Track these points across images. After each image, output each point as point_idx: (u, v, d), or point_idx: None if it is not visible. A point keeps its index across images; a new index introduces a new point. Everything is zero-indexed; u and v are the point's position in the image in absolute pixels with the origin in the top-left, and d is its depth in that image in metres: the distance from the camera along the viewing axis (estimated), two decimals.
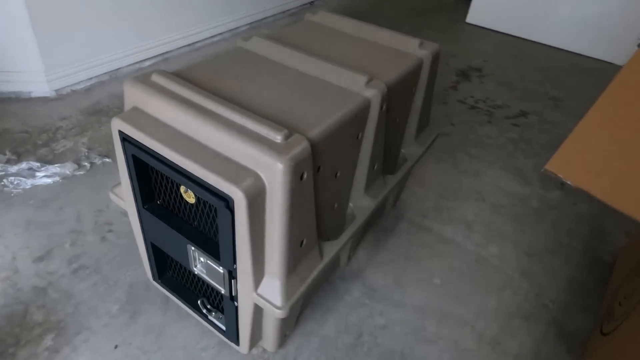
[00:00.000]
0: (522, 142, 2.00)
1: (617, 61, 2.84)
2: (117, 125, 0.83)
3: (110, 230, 1.34)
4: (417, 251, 1.40)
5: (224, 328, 1.02)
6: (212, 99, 0.81)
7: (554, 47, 3.03)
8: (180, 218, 0.92)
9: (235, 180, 0.71)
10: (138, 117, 0.83)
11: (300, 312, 1.16)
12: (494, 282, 1.34)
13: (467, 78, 2.50)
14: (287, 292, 0.84)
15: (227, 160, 0.75)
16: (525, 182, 1.76)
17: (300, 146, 0.74)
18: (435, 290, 1.29)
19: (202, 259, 0.90)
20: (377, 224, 1.48)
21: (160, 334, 1.09)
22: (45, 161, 1.55)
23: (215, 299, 1.05)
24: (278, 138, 0.74)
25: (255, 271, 0.81)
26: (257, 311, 0.90)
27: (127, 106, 0.88)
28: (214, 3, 2.46)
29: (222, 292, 0.91)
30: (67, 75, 1.89)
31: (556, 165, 0.74)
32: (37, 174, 1.48)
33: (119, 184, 1.00)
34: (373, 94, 0.93)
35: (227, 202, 0.73)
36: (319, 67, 0.98)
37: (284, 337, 1.07)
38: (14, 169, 1.48)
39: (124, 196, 0.99)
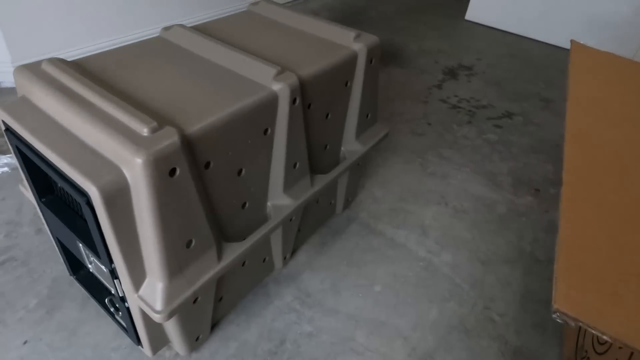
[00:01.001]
0: (500, 144, 1.89)
1: None
2: (1, 115, 0.80)
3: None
4: (362, 256, 1.34)
5: (126, 327, 0.98)
6: (92, 89, 0.76)
7: (555, 46, 2.88)
8: (76, 213, 0.89)
9: (90, 175, 0.66)
10: (22, 107, 0.80)
11: (222, 314, 1.11)
12: (439, 291, 1.26)
13: (454, 76, 2.40)
14: (169, 295, 0.79)
15: (94, 153, 0.70)
16: (496, 186, 1.66)
17: (168, 140, 0.69)
18: (373, 298, 1.22)
19: (91, 258, 0.86)
20: (326, 225, 1.42)
21: (74, 332, 1.06)
22: (0, 152, 1.55)
23: None
24: (144, 131, 0.69)
25: (131, 272, 0.76)
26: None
27: (19, 95, 0.85)
28: None
29: (113, 292, 0.87)
30: None
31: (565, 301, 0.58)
32: None
33: None
34: (281, 87, 0.87)
35: (87, 198, 0.68)
36: (231, 57, 0.93)
37: (195, 341, 1.02)
38: None
39: (28, 187, 0.96)
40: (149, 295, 0.79)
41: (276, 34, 1.11)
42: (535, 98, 2.27)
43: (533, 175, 1.73)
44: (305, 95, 0.95)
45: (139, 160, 0.65)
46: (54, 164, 0.71)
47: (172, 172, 0.70)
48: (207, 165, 0.79)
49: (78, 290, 1.15)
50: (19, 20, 1.78)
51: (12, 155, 1.50)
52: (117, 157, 0.68)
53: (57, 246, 1.03)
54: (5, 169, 1.47)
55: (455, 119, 2.04)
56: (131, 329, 0.93)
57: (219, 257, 0.87)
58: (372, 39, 1.11)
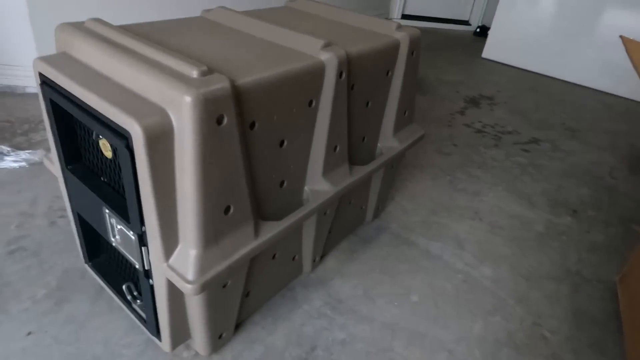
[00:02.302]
0: (531, 167, 1.83)
1: None
2: (38, 66, 0.76)
3: (62, 216, 1.25)
4: (396, 265, 1.24)
5: (145, 318, 0.88)
6: (136, 38, 0.73)
7: (573, 83, 2.90)
8: (102, 180, 0.82)
9: (134, 114, 0.61)
10: (61, 59, 0.76)
11: (246, 315, 1.01)
12: (483, 305, 1.14)
13: (476, 105, 2.39)
14: (202, 265, 0.70)
15: (136, 96, 0.65)
16: (531, 205, 1.58)
17: (218, 84, 0.63)
18: (410, 308, 1.11)
19: (118, 226, 0.78)
20: (354, 233, 1.33)
21: (83, 326, 0.96)
22: (19, 148, 1.50)
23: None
24: (194, 73, 0.64)
25: (164, 234, 0.69)
26: (174, 292, 0.77)
27: (57, 52, 0.81)
28: None
29: (137, 266, 0.78)
30: None
31: None
32: (6, 158, 1.42)
33: None
34: (328, 57, 0.83)
35: (127, 140, 0.62)
36: (277, 32, 0.90)
37: (219, 339, 0.91)
38: None
39: (53, 159, 0.90)
40: (181, 264, 0.70)
41: (318, 22, 1.10)
42: (561, 127, 2.23)
43: (569, 197, 1.66)
44: (350, 73, 0.91)
45: (187, 99, 0.60)
46: (93, 109, 0.66)
47: (220, 119, 0.65)
48: (252, 125, 0.73)
49: (90, 282, 1.05)
50: (51, 26, 1.81)
51: (31, 151, 1.46)
52: (163, 98, 0.63)
53: (76, 227, 0.95)
54: (23, 163, 1.42)
55: (481, 142, 1.99)
56: (151, 317, 0.83)
57: (256, 232, 0.79)
58: (413, 30, 1.09)
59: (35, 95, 1.87)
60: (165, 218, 0.68)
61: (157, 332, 0.85)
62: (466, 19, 4.16)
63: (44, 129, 1.64)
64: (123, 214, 0.74)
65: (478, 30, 3.95)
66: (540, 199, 1.62)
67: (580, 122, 2.32)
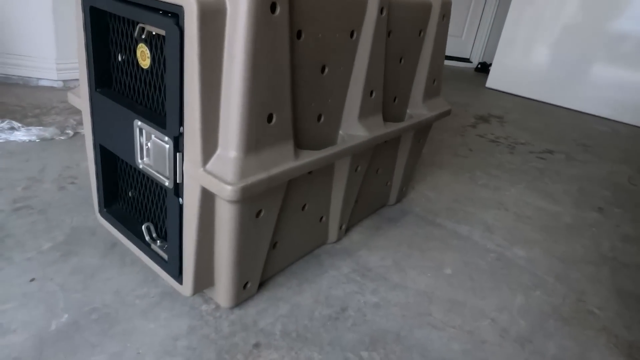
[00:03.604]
0: (549, 171, 1.80)
1: None
2: None
3: (72, 182, 1.18)
4: (424, 242, 1.16)
5: (166, 258, 0.80)
6: None
7: (579, 111, 2.95)
8: (133, 99, 0.77)
9: None
10: None
11: (271, 272, 0.92)
12: (521, 281, 1.06)
13: (486, 121, 2.40)
14: (242, 168, 0.64)
15: None
16: (555, 202, 1.53)
17: None
18: (445, 279, 1.03)
19: (148, 142, 0.73)
20: (377, 213, 1.27)
21: (92, 276, 0.87)
22: (31, 124, 1.46)
23: (162, 229, 0.84)
24: None
25: (204, 133, 0.63)
26: (206, 212, 0.70)
27: None
28: None
29: (166, 184, 0.72)
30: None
31: None
32: (16, 132, 1.37)
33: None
34: None
35: (177, 18, 0.59)
36: None
37: (242, 290, 0.82)
38: None
39: (80, 91, 0.86)
40: (220, 167, 0.64)
41: None
42: (572, 143, 2.24)
43: (591, 197, 1.61)
44: (389, 16, 0.90)
45: None
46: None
47: (274, 7, 0.62)
48: (299, 35, 0.71)
49: (102, 239, 0.97)
50: (72, 20, 1.83)
51: (42, 127, 1.41)
52: None
53: (96, 165, 0.89)
54: (34, 137, 1.37)
55: (496, 149, 1.98)
56: (175, 252, 0.75)
57: (295, 154, 0.74)
58: None
59: (48, 88, 1.86)
60: (208, 115, 0.63)
61: (179, 272, 0.77)
62: (467, 56, 4.32)
63: (56, 114, 1.61)
64: (158, 121, 0.69)
65: (479, 66, 4.09)
66: (563, 197, 1.58)
67: (591, 140, 2.33)
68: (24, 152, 1.30)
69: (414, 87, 1.12)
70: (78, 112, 1.65)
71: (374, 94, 0.93)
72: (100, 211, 0.94)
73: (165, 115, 0.69)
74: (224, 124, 0.64)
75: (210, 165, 0.65)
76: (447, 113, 1.22)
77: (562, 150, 2.10)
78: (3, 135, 1.34)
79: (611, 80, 2.83)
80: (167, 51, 0.62)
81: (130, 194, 0.91)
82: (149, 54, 0.70)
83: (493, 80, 3.31)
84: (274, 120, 0.68)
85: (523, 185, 1.62)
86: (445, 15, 1.09)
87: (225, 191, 0.62)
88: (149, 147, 0.73)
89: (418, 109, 1.14)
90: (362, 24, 0.84)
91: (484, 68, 4.04)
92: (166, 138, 0.68)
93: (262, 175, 0.66)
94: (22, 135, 1.37)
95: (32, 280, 0.83)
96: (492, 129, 2.28)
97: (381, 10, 0.85)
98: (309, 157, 0.76)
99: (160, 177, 0.72)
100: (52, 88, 1.86)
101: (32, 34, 1.78)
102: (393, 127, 1.01)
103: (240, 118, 0.63)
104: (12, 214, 1.02)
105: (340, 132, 0.90)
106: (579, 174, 1.82)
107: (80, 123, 1.55)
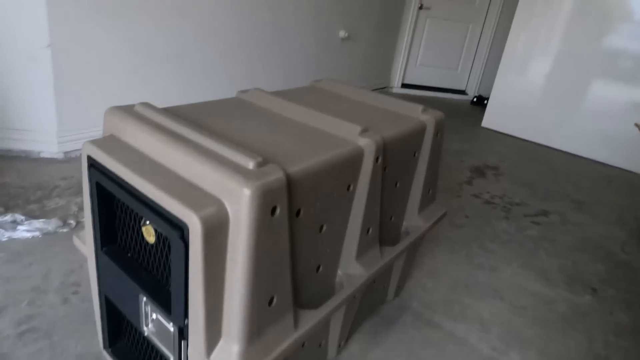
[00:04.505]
0: (543, 241, 1.83)
1: None
2: (87, 149, 0.77)
3: (75, 292, 1.20)
4: (422, 350, 1.19)
5: None
6: (188, 125, 0.74)
7: (572, 154, 2.99)
8: (139, 265, 0.80)
9: (192, 205, 0.60)
10: (110, 143, 0.77)
11: None
12: None
13: (482, 175, 2.43)
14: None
15: (191, 186, 0.65)
16: (549, 283, 1.56)
17: (274, 175, 0.64)
18: None
19: (153, 316, 0.75)
20: (376, 313, 1.29)
21: None
22: (32, 216, 1.48)
23: None
24: (250, 164, 0.64)
25: (208, 328, 0.66)
26: None
27: (105, 134, 0.82)
28: (235, 84, 2.58)
29: (171, 359, 0.74)
30: (79, 139, 1.92)
31: None
32: (19, 227, 1.39)
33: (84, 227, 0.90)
34: (367, 143, 0.85)
35: (182, 232, 0.61)
36: (313, 116, 0.93)
37: None
38: None
39: (86, 239, 0.88)
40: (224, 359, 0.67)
41: (345, 104, 1.14)
42: (566, 199, 2.27)
43: (585, 274, 1.64)
44: (384, 157, 0.93)
45: (246, 192, 0.60)
46: (145, 196, 0.66)
47: (274, 210, 0.64)
48: (298, 212, 0.73)
49: None
50: (73, 95, 1.86)
51: (45, 220, 1.44)
52: (220, 189, 0.63)
53: (101, 310, 0.91)
54: (37, 233, 1.39)
55: (491, 214, 2.01)
56: None
57: (296, 323, 0.76)
58: (438, 113, 1.13)
59: (49, 160, 1.88)
60: (212, 311, 0.65)
61: None
62: (463, 88, 4.37)
63: (58, 196, 1.63)
64: (164, 304, 0.71)
65: (475, 100, 4.13)
66: (557, 275, 1.61)
67: (584, 195, 2.36)
68: (27, 252, 1.32)
69: (409, 202, 1.15)
70: (79, 193, 1.67)
71: (370, 230, 0.95)
72: (104, 347, 0.96)
73: (170, 295, 0.71)
74: (227, 315, 0.67)
75: (215, 355, 0.67)
76: (442, 217, 1.25)
77: (557, 209, 2.13)
78: (7, 234, 1.36)
79: (603, 124, 2.87)
80: (172, 255, 0.64)
81: (134, 342, 0.93)
82: (154, 233, 0.73)
83: (489, 120, 3.35)
84: (274, 302, 0.71)
85: (518, 263, 1.65)
86: (439, 131, 1.12)
87: None
88: (154, 318, 0.75)
89: (414, 221, 1.16)
90: (358, 177, 0.86)
91: (480, 101, 4.08)
92: (171, 324, 0.70)
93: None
94: (25, 230, 1.39)
95: None
96: (487, 185, 2.31)
97: (377, 159, 0.88)
98: (309, 322, 0.78)
99: (165, 351, 0.74)
100: (53, 160, 1.88)
101: (33, 108, 1.80)
102: (391, 253, 1.03)
103: (242, 311, 0.66)
104: (17, 340, 1.04)
105: (339, 271, 0.93)
106: (573, 243, 1.85)
107: (81, 208, 1.57)
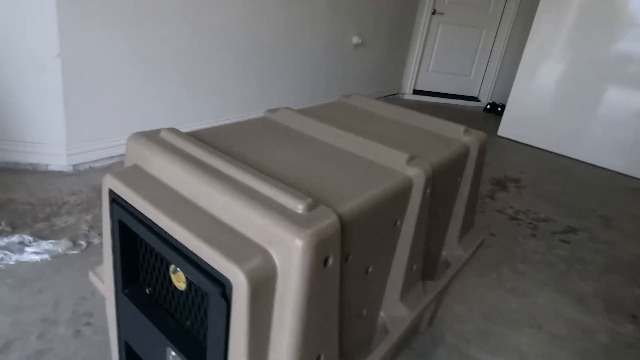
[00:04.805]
0: (576, 262, 1.74)
1: None
2: (109, 183, 0.68)
3: (88, 323, 1.12)
4: None
5: None
6: (223, 158, 0.66)
7: (592, 164, 2.90)
8: (165, 311, 0.72)
9: (237, 258, 0.52)
10: (135, 175, 0.69)
11: None
12: None
13: (504, 188, 2.35)
14: None
15: (232, 232, 0.57)
16: (587, 309, 1.47)
17: (328, 220, 0.56)
18: None
19: None
20: (408, 346, 1.21)
21: None
22: (41, 236, 1.40)
23: None
24: (299, 208, 0.56)
25: None
26: None
27: (128, 164, 0.74)
28: (246, 92, 2.51)
29: None
30: (88, 152, 1.84)
31: None
32: (27, 249, 1.32)
33: (100, 263, 0.82)
34: (416, 173, 0.77)
35: (224, 288, 0.53)
36: (353, 141, 0.85)
37: None
38: (3, 242, 1.33)
39: (104, 277, 0.80)
40: None
41: (381, 124, 1.06)
42: (593, 215, 2.18)
43: (623, 299, 1.55)
44: (432, 186, 0.84)
45: (298, 243, 0.52)
46: (178, 242, 0.57)
47: (326, 261, 0.56)
48: (347, 258, 0.65)
49: None
50: (83, 106, 1.78)
51: (54, 241, 1.35)
52: (266, 236, 0.55)
53: (120, 354, 0.83)
54: (45, 256, 1.31)
55: (518, 231, 1.92)
56: None
57: None
58: (480, 134, 1.05)
59: (57, 173, 1.80)
60: None
61: None
62: (475, 95, 4.28)
63: (67, 213, 1.55)
64: (196, 359, 0.63)
65: (488, 107, 4.05)
66: (593, 301, 1.52)
67: (610, 210, 2.27)
68: (36, 277, 1.24)
69: (449, 230, 1.07)
70: (89, 209, 1.59)
71: (414, 267, 0.87)
72: None
73: (205, 351, 0.63)
74: None
75: None
76: (481, 244, 1.17)
77: (585, 226, 2.05)
78: (14, 256, 1.28)
79: (624, 133, 2.79)
80: (211, 312, 0.56)
81: None
82: (185, 279, 0.65)
83: (505, 129, 3.27)
84: None
85: (552, 286, 1.56)
86: (482, 154, 1.04)
87: None
88: None
89: (454, 250, 1.08)
90: (405, 211, 0.78)
91: (493, 108, 4.00)
92: None
93: None
94: (33, 252, 1.31)
95: None
96: (510, 199, 2.22)
97: (425, 190, 0.80)
98: None
99: None
100: (61, 173, 1.80)
101: (41, 120, 1.73)
102: (433, 289, 0.95)
103: None
104: None
105: (381, 313, 0.84)
106: (606, 263, 1.76)
107: (92, 227, 1.49)
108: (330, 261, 0.57)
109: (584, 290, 1.57)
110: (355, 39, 3.20)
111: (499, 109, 3.90)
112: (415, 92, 4.17)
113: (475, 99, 4.27)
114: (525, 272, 1.63)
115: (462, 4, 3.92)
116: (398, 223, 0.78)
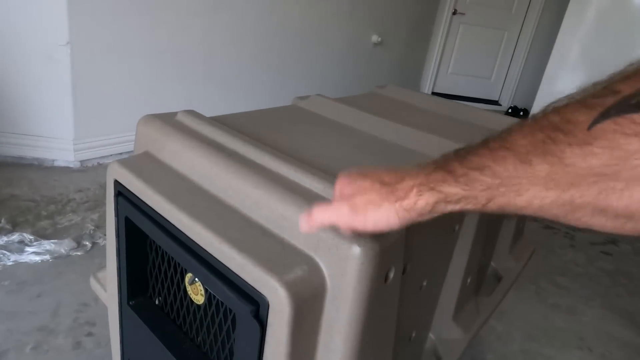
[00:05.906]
0: (621, 275, 1.59)
1: None
2: (114, 172, 0.57)
3: (89, 334, 1.00)
4: None
5: None
6: (255, 145, 0.54)
7: None
8: (178, 328, 0.60)
9: (274, 268, 0.40)
10: (147, 163, 0.57)
11: None
12: None
13: None
14: None
15: (268, 235, 0.45)
16: (639, 328, 1.32)
17: None
18: None
19: None
20: None
21: None
22: (43, 235, 1.29)
23: None
24: None
25: None
26: None
27: (138, 151, 0.62)
28: (262, 89, 2.40)
29: None
30: (96, 147, 1.74)
31: None
32: (27, 249, 1.21)
33: (104, 266, 0.71)
34: None
35: (257, 307, 0.41)
36: (398, 131, 0.73)
37: None
38: (2, 240, 1.22)
39: (107, 284, 0.69)
40: None
41: (421, 114, 0.93)
42: None
43: None
44: None
45: (356, 250, 0.40)
46: (199, 246, 0.46)
47: (387, 275, 0.44)
48: (404, 269, 0.52)
49: None
50: (92, 100, 1.68)
51: (56, 240, 1.25)
52: (312, 242, 0.42)
53: None
54: (46, 257, 1.20)
55: (554, 240, 1.77)
56: None
57: None
58: None
59: (64, 169, 1.70)
60: None
61: None
62: (496, 99, 4.13)
63: (72, 211, 1.44)
64: None
65: (510, 110, 3.90)
66: None
67: None
68: (35, 280, 1.13)
69: (500, 238, 0.93)
70: (95, 208, 1.48)
71: (469, 281, 0.74)
72: None
73: None
74: None
75: None
76: (532, 255, 1.03)
77: (625, 238, 1.89)
78: (12, 256, 1.17)
79: None
80: (239, 336, 0.44)
81: None
82: (204, 292, 0.53)
83: None
84: None
85: (598, 302, 1.42)
86: None
87: None
88: None
89: (504, 261, 0.95)
90: (465, 215, 0.65)
91: (515, 112, 3.85)
92: None
93: None
94: (33, 252, 1.20)
95: None
96: None
97: None
98: None
99: None
100: (68, 169, 1.70)
101: (48, 112, 1.63)
102: (488, 307, 0.82)
103: None
104: None
105: (431, 335, 0.72)
106: None
107: (98, 226, 1.38)
108: (391, 275, 0.45)
109: (634, 308, 1.42)
110: (375, 38, 3.08)
111: (521, 113, 3.76)
112: (434, 94, 4.03)
113: (496, 102, 4.12)
114: (567, 286, 1.48)
115: (484, 5, 3.79)
116: (456, 229, 0.65)
